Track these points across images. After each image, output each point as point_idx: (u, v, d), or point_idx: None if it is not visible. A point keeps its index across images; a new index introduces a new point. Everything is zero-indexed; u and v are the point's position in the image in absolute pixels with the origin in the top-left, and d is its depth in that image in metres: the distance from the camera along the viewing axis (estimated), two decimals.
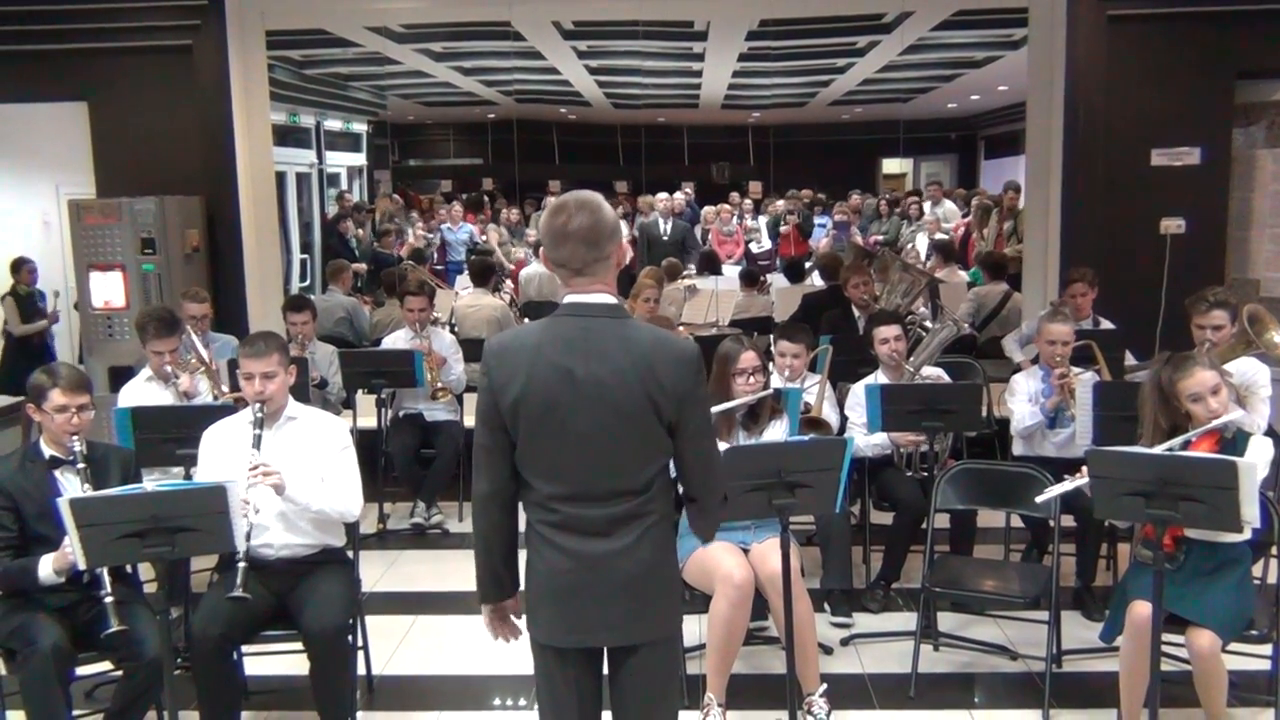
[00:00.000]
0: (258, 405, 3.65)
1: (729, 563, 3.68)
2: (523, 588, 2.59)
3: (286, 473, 3.56)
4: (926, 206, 10.02)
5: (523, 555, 2.55)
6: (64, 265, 8.71)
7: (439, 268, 9.85)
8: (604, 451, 2.41)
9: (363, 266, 9.33)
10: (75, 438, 3.55)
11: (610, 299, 2.46)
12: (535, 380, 2.39)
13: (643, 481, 2.45)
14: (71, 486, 3.53)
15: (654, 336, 2.47)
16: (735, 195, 10.47)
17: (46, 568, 3.39)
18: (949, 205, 9.98)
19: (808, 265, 8.93)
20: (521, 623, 2.62)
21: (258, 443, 3.57)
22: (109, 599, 3.32)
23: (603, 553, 2.43)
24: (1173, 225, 6.66)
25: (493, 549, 2.55)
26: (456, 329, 7.32)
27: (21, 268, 8.68)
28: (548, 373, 2.39)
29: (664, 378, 2.39)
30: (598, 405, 2.38)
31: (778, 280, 8.78)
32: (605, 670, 2.59)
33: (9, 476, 3.56)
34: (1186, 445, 3.36)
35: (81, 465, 3.52)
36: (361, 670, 4.04)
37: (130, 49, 6.98)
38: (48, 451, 3.62)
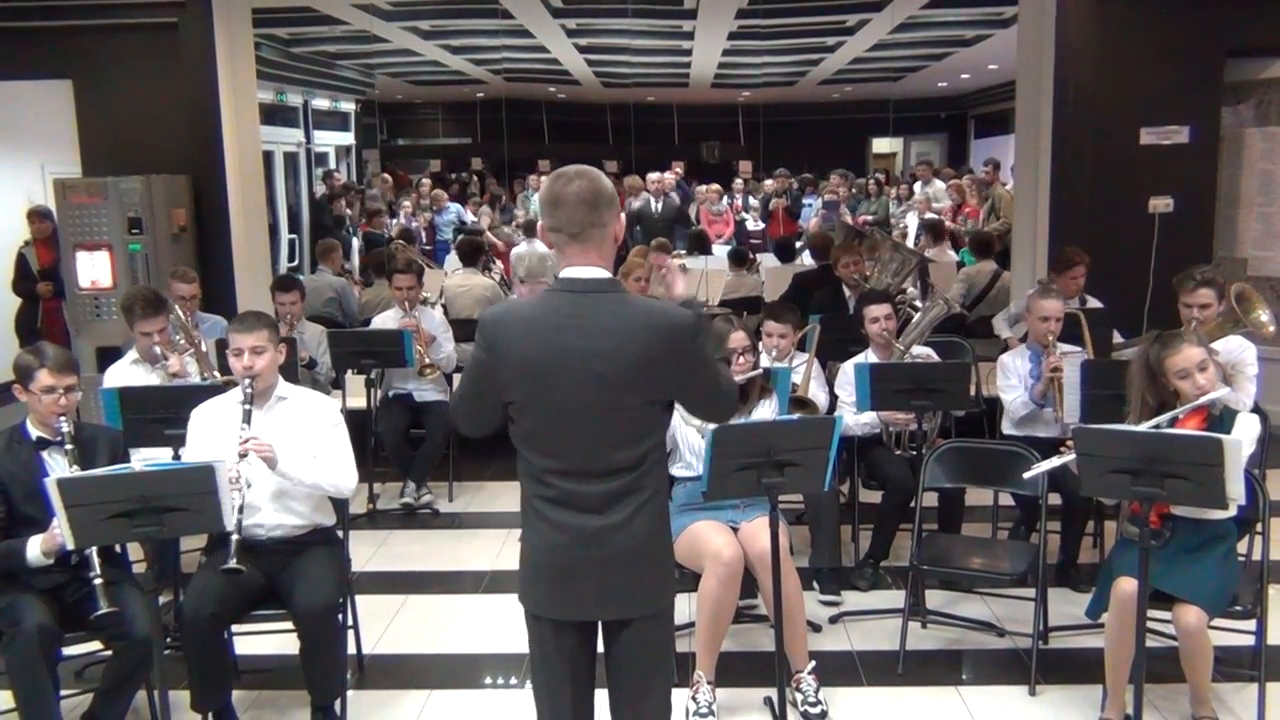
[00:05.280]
0: (247, 381, 3.61)
1: (718, 541, 3.70)
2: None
3: (279, 451, 3.55)
4: (916, 186, 10.02)
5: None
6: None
7: (427, 248, 9.83)
8: (600, 427, 2.40)
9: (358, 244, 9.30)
10: (62, 419, 3.52)
11: (605, 273, 2.44)
12: (533, 356, 2.38)
13: (637, 457, 2.45)
14: (59, 467, 3.51)
15: (650, 309, 2.45)
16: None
17: (34, 549, 3.37)
18: (938, 184, 9.98)
19: (798, 245, 8.93)
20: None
21: (248, 418, 3.55)
22: (98, 580, 3.30)
23: (598, 528, 2.43)
24: (1161, 204, 6.68)
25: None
26: (447, 309, 7.31)
27: None
28: (545, 348, 2.37)
29: (662, 350, 2.38)
30: (595, 381, 2.37)
31: (768, 260, 8.79)
32: (599, 646, 2.59)
33: None
34: (1174, 422, 3.36)
35: (69, 446, 3.49)
36: (351, 649, 4.03)
37: (115, 26, 6.92)
38: (34, 433, 3.59)
